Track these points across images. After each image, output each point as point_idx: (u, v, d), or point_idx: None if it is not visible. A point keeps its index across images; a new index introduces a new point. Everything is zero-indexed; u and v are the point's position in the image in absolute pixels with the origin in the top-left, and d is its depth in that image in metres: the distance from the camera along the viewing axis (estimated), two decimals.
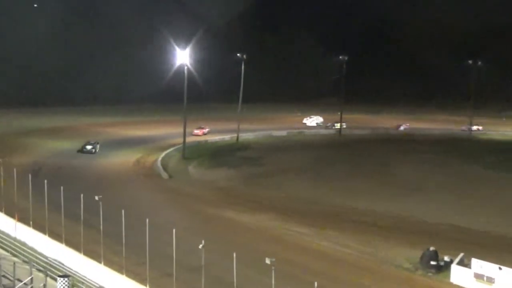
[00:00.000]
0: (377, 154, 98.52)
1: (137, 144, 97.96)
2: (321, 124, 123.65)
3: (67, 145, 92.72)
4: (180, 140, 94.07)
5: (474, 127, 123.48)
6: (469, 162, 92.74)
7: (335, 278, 41.34)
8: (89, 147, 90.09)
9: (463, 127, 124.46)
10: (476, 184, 78.14)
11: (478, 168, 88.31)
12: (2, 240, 48.48)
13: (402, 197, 70.19)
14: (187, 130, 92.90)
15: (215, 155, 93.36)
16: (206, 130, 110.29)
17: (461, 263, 45.17)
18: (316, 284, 28.80)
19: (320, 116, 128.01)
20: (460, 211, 63.17)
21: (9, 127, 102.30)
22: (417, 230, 54.91)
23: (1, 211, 51.89)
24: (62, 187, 45.83)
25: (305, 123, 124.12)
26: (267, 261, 31.20)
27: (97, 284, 40.00)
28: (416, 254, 47.31)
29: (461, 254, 45.68)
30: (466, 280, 44.01)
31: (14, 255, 44.57)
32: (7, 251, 46.10)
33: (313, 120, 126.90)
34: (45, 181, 49.61)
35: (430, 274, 45.70)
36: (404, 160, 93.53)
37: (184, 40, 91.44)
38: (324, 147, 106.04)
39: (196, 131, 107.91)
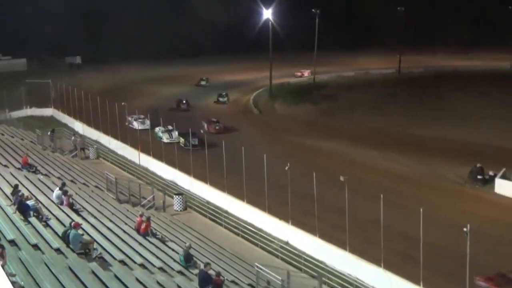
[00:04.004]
0: (431, 89, 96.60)
1: (233, 87, 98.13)
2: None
3: (176, 90, 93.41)
4: (267, 82, 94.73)
5: None
6: None
7: (399, 192, 41.38)
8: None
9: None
10: None
11: None
12: (130, 167, 50.62)
13: (453, 123, 69.22)
14: (275, 74, 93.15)
15: (296, 93, 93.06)
16: (306, 73, 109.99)
17: (503, 176, 44.98)
18: (382, 196, 29.01)
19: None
20: (503, 135, 62.05)
21: (131, 78, 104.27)
22: (465, 151, 54.26)
23: (128, 143, 54.00)
24: (174, 123, 47.56)
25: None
26: (341, 178, 31.78)
27: (204, 199, 41.68)
28: (465, 170, 47.32)
29: (503, 169, 45.41)
30: (508, 190, 43.94)
31: (139, 178, 46.66)
32: (133, 175, 48.21)
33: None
34: (160, 119, 51.44)
35: (477, 186, 45.79)
36: (456, 92, 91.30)
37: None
38: (387, 84, 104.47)
39: (298, 74, 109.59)
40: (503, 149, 55.47)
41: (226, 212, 39.20)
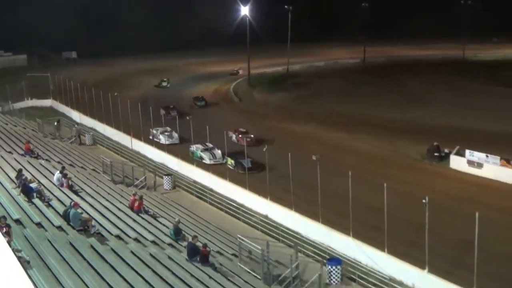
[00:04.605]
0: (393, 76, 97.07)
1: (215, 78, 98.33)
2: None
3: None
4: (246, 73, 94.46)
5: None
6: (466, 79, 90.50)
7: (366, 169, 41.55)
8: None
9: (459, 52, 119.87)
10: (471, 95, 76.59)
11: (474, 84, 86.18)
12: (123, 151, 50.51)
13: (414, 107, 69.63)
14: (253, 65, 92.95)
15: (273, 82, 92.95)
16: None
17: (457, 153, 45.43)
18: (350, 173, 29.16)
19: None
20: (457, 116, 62.64)
21: (124, 70, 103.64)
22: (424, 131, 54.56)
23: (120, 130, 53.77)
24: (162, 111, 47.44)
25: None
26: (314, 157, 32.00)
27: (191, 179, 41.65)
28: (424, 148, 47.74)
29: (457, 147, 45.85)
30: (461, 166, 44.40)
31: (132, 161, 46.56)
32: (127, 158, 48.13)
33: None
34: (150, 107, 51.32)
35: (434, 163, 46.23)
36: (415, 79, 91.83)
37: None
38: (353, 73, 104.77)
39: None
40: (457, 129, 56.15)
41: (211, 190, 39.28)
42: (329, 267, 26.33)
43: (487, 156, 42.98)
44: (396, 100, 74.74)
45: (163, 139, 50.20)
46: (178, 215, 31.77)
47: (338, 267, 26.33)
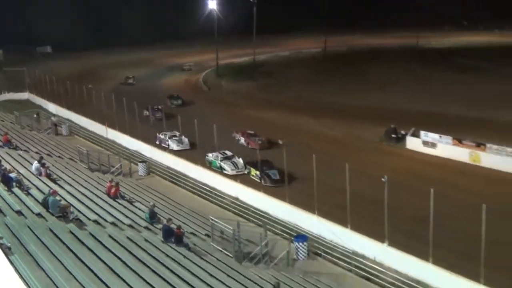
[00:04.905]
0: (354, 64, 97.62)
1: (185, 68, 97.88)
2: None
3: (139, 72, 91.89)
4: (214, 63, 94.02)
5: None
6: (422, 65, 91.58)
7: (328, 152, 41.71)
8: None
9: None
10: (426, 81, 77.58)
11: (429, 70, 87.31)
12: (99, 140, 50.04)
13: (373, 92, 70.15)
14: (221, 55, 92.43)
15: (240, 72, 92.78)
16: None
17: (413, 135, 46.06)
18: (314, 156, 29.37)
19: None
20: (413, 100, 63.34)
21: (97, 63, 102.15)
22: (382, 115, 54.98)
23: (95, 120, 53.15)
24: (135, 102, 46.99)
25: None
26: (280, 142, 32.22)
27: (165, 165, 41.52)
28: (382, 131, 48.28)
29: (413, 129, 46.46)
30: (417, 146, 45.06)
31: (108, 150, 46.08)
32: (102, 147, 47.60)
33: None
34: (123, 98, 50.76)
35: (391, 144, 46.79)
36: (374, 66, 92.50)
37: None
38: (316, 61, 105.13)
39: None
40: (413, 112, 56.86)
41: (184, 175, 39.19)
42: (296, 243, 26.62)
43: (440, 137, 43.72)
44: (356, 87, 75.23)
45: (173, 145, 45.39)
46: (153, 199, 31.64)
47: (305, 243, 26.63)
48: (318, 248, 27.15)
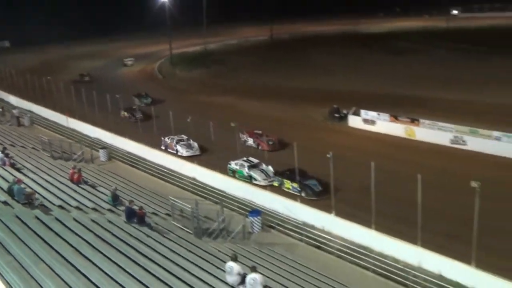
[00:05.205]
0: (298, 49, 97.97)
1: (142, 58, 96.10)
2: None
3: (98, 63, 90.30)
4: (168, 53, 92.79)
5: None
6: (362, 49, 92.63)
7: (280, 131, 42.37)
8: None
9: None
10: (366, 64, 78.60)
11: (369, 54, 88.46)
12: (60, 129, 48.91)
13: (317, 76, 70.73)
14: (175, 45, 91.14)
15: (192, 60, 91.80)
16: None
17: (354, 113, 46.77)
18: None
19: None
20: (354, 82, 64.28)
21: (56, 56, 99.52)
22: (326, 96, 55.63)
23: (56, 110, 51.90)
24: (94, 92, 46.00)
25: None
26: (232, 124, 32.18)
27: (125, 150, 41.08)
28: (326, 111, 48.82)
29: (354, 108, 47.17)
30: (358, 124, 45.82)
31: (69, 138, 45.13)
32: (64, 136, 46.51)
33: None
34: (83, 89, 49.69)
35: (335, 122, 47.40)
36: (317, 51, 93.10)
37: None
38: (263, 48, 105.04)
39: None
40: (354, 92, 57.65)
41: (144, 159, 38.82)
42: (251, 218, 26.81)
43: (378, 114, 44.56)
44: (301, 71, 75.68)
45: (182, 151, 39.20)
46: (114, 183, 31.22)
47: (259, 217, 26.85)
48: (271, 222, 27.42)
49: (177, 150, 39.38)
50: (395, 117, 43.42)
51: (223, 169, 34.07)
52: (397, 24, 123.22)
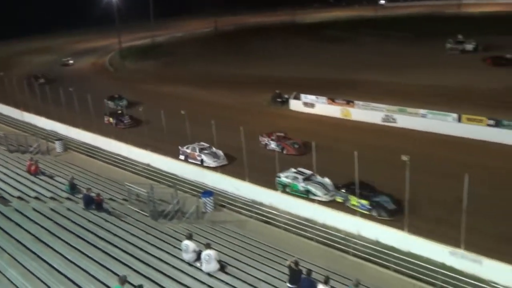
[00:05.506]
0: (242, 40, 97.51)
1: (92, 53, 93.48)
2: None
3: (50, 58, 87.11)
4: (117, 47, 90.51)
5: None
6: (300, 38, 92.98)
7: (226, 116, 41.49)
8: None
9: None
10: (303, 51, 79.08)
11: (306, 41, 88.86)
12: (15, 123, 47.18)
13: (260, 64, 70.71)
14: (124, 39, 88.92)
15: (141, 53, 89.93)
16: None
17: (295, 97, 47.17)
18: (213, 122, 29.62)
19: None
20: (293, 68, 64.66)
21: (7, 52, 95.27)
22: (269, 82, 55.60)
23: (10, 105, 50.07)
24: (47, 86, 44.47)
25: None
26: (182, 112, 31.85)
27: (79, 140, 40.10)
28: (269, 96, 49.01)
29: (294, 92, 47.56)
30: (299, 107, 46.29)
31: (25, 131, 43.56)
32: (19, 129, 44.91)
33: None
34: (36, 84, 47.91)
35: (277, 107, 47.68)
36: (260, 40, 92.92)
37: None
38: (208, 40, 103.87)
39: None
40: (294, 78, 58.05)
41: (99, 148, 38.01)
42: (204, 199, 26.79)
43: (317, 98, 45.16)
44: (245, 60, 75.45)
45: (209, 161, 32.67)
46: (71, 172, 30.37)
47: (211, 198, 26.86)
48: (222, 201, 27.48)
49: (202, 160, 32.99)
50: (332, 100, 44.11)
51: (174, 154, 33.73)
52: (331, 14, 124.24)
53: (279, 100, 47.96)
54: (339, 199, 26.41)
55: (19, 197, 22.82)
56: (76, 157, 37.50)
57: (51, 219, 19.55)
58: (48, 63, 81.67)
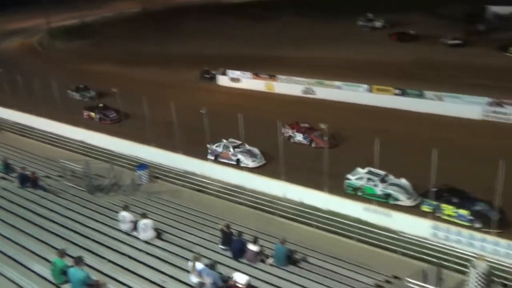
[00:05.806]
0: (169, 19, 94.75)
1: (19, 33, 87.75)
2: None
3: None
4: (46, 27, 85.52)
5: None
6: (227, 18, 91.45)
7: (159, 95, 40.02)
8: None
9: None
10: (227, 29, 78.11)
11: (230, 20, 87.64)
12: None
13: (188, 42, 69.15)
14: (52, 19, 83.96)
15: (70, 33, 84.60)
16: None
17: (222, 73, 46.95)
18: (144, 97, 28.90)
19: None
20: (220, 46, 63.79)
21: None
22: (197, 60, 54.51)
23: None
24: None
25: None
26: (113, 89, 30.90)
27: (12, 120, 37.84)
28: (198, 73, 48.35)
29: (221, 68, 47.28)
30: (226, 82, 46.16)
31: None
32: None
33: None
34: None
35: (206, 82, 47.24)
36: (188, 19, 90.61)
37: None
38: (137, 20, 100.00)
39: None
40: (220, 55, 57.39)
41: (31, 127, 36.12)
42: (139, 172, 26.29)
43: (243, 73, 45.21)
44: (173, 38, 73.61)
45: (247, 161, 27.50)
46: (5, 152, 28.70)
47: (146, 170, 26.43)
48: (157, 173, 27.09)
49: (238, 160, 27.75)
50: (256, 75, 44.32)
51: (109, 131, 32.68)
52: None
53: (207, 76, 47.51)
54: (426, 208, 21.39)
55: None
56: (9, 137, 35.51)
57: None
58: None
